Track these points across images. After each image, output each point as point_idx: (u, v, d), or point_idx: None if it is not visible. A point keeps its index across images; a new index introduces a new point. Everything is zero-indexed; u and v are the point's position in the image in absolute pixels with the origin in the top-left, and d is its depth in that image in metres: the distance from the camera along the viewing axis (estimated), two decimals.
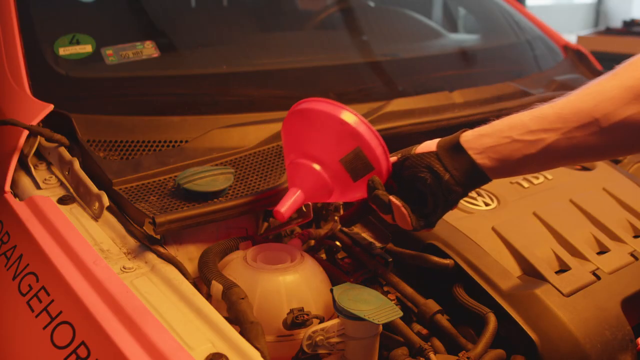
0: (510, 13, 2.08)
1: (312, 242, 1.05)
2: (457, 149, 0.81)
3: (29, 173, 1.03)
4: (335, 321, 0.80)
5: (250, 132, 1.16)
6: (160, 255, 0.87)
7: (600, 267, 0.95)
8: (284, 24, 1.84)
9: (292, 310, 0.82)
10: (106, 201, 0.92)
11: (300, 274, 0.87)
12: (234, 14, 1.79)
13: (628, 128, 0.70)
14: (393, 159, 0.89)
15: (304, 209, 1.04)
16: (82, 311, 0.75)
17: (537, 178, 1.19)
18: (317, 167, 0.85)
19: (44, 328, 0.77)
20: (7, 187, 0.99)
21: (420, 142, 0.89)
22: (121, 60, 1.30)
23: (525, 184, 1.16)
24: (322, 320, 0.84)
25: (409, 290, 0.94)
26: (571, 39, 3.08)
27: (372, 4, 2.05)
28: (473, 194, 1.12)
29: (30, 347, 0.78)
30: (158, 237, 0.89)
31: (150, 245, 0.88)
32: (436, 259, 0.96)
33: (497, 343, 0.86)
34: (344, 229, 1.06)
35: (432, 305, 0.91)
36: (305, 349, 0.79)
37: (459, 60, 1.81)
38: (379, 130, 1.25)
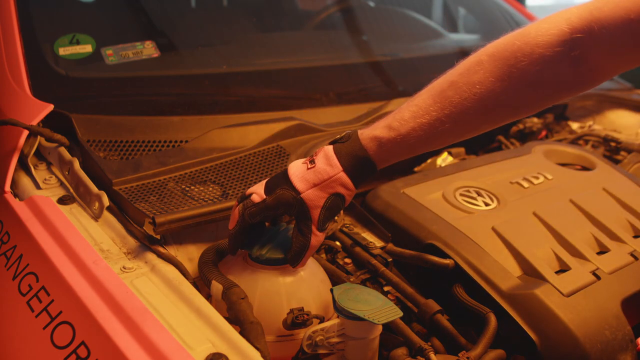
0: (510, 13, 2.08)
1: None
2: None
3: (29, 173, 1.03)
4: (335, 321, 0.80)
5: (250, 132, 1.16)
6: (160, 255, 0.87)
7: (600, 267, 0.95)
8: (284, 24, 1.84)
9: (292, 310, 0.82)
10: (106, 201, 0.93)
11: (300, 274, 0.87)
12: (234, 14, 1.79)
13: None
14: None
15: None
16: (82, 311, 0.75)
17: (537, 178, 1.19)
18: None
19: (44, 328, 0.77)
20: (7, 187, 0.99)
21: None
22: (121, 60, 1.30)
23: (525, 184, 1.16)
24: (322, 320, 0.84)
25: (409, 290, 0.94)
26: None
27: (372, 4, 2.05)
28: (473, 194, 1.12)
29: (30, 347, 0.78)
30: (158, 237, 0.89)
31: (150, 245, 0.88)
32: (436, 259, 0.95)
33: (497, 343, 0.86)
34: (344, 229, 1.06)
35: (432, 305, 0.91)
36: (305, 349, 0.79)
37: (459, 60, 1.81)
38: None
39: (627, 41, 0.73)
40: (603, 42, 0.73)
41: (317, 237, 0.82)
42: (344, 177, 0.80)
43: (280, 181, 0.82)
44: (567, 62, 0.75)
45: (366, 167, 0.81)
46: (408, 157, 0.83)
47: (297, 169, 0.82)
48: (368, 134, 0.81)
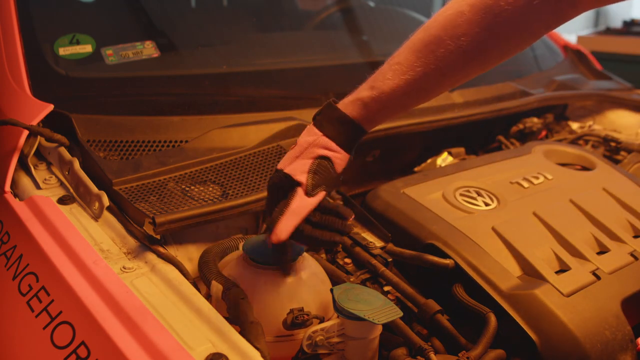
0: None
1: None
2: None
3: (29, 173, 1.03)
4: (335, 321, 0.80)
5: (250, 132, 1.16)
6: (160, 255, 0.87)
7: (600, 267, 0.95)
8: (284, 24, 1.84)
9: (292, 310, 0.82)
10: (106, 201, 0.92)
11: (300, 274, 0.87)
12: (234, 14, 1.79)
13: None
14: None
15: None
16: (82, 311, 0.75)
17: (537, 178, 1.19)
18: None
19: (44, 328, 0.77)
20: (7, 187, 0.99)
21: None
22: (121, 60, 1.30)
23: (525, 184, 1.16)
24: (322, 320, 0.84)
25: (409, 290, 0.94)
26: (571, 39, 3.08)
27: (372, 4, 2.05)
28: (473, 194, 1.12)
29: (30, 347, 0.78)
30: (158, 237, 0.89)
31: (150, 245, 0.88)
32: (436, 259, 0.96)
33: (497, 343, 0.86)
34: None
35: (432, 305, 0.91)
36: (305, 349, 0.79)
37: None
38: (378, 131, 1.26)
39: None
40: None
41: (302, 200, 0.78)
42: (323, 139, 0.80)
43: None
44: (551, 3, 0.74)
45: (350, 127, 0.80)
46: (397, 115, 0.83)
47: (285, 155, 0.83)
48: (351, 98, 0.81)
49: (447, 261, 0.95)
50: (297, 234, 0.79)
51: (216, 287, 0.81)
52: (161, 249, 0.88)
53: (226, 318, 0.75)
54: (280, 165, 0.81)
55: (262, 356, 0.69)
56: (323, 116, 0.82)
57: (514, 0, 0.73)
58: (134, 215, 0.93)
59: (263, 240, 0.88)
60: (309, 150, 0.80)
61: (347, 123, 0.80)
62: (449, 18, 0.77)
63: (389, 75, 0.78)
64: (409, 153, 1.42)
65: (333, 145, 0.80)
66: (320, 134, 0.80)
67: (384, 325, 0.84)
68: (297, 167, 0.79)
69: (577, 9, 0.76)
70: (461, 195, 1.11)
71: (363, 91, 0.80)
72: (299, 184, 0.79)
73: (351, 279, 0.96)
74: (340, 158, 0.81)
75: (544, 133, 1.67)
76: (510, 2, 0.73)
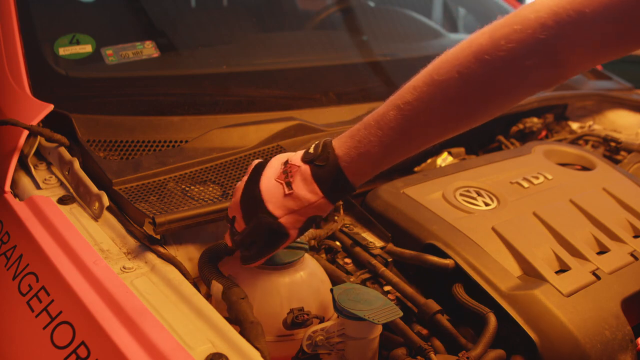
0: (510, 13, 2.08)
1: (313, 242, 1.05)
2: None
3: (29, 173, 1.03)
4: (335, 321, 0.80)
5: (250, 132, 1.16)
6: (160, 255, 0.87)
7: (600, 267, 0.95)
8: (284, 24, 1.84)
9: (292, 310, 0.82)
10: (106, 201, 0.93)
11: (299, 274, 0.87)
12: (234, 14, 1.79)
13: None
14: None
15: None
16: (82, 311, 0.75)
17: (537, 178, 1.19)
18: None
19: (44, 328, 0.77)
20: (7, 187, 0.99)
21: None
22: (121, 60, 1.30)
23: (525, 184, 1.16)
24: (322, 320, 0.84)
25: (409, 290, 0.94)
26: None
27: (372, 4, 2.05)
28: (473, 194, 1.12)
29: (30, 347, 0.78)
30: (158, 237, 0.89)
31: (150, 245, 0.88)
32: (436, 259, 0.96)
33: (497, 343, 0.86)
34: (344, 229, 1.06)
35: (432, 305, 0.91)
36: (305, 349, 0.79)
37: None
38: None
39: (611, 40, 0.68)
40: (584, 44, 0.69)
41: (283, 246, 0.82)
42: (324, 203, 0.78)
43: (256, 206, 0.79)
44: (544, 68, 0.72)
45: (347, 191, 0.79)
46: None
47: (272, 194, 0.78)
48: (351, 168, 0.78)
49: (447, 261, 0.95)
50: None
51: (216, 287, 0.81)
52: (161, 249, 0.88)
53: (226, 318, 0.75)
54: (273, 210, 0.78)
55: (262, 356, 0.69)
56: (325, 174, 0.77)
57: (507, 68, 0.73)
58: (134, 215, 0.93)
59: None
60: (307, 209, 0.78)
61: (348, 187, 0.78)
62: (441, 88, 0.79)
63: (381, 139, 0.79)
64: None
65: (329, 207, 0.79)
66: (321, 194, 0.77)
67: (384, 325, 0.84)
68: (292, 222, 0.78)
69: (574, 70, 0.74)
70: (461, 195, 1.11)
71: (361, 162, 0.78)
72: (289, 236, 0.80)
73: (351, 279, 0.96)
74: (326, 212, 0.81)
75: (544, 133, 1.67)
76: (502, 69, 0.73)
